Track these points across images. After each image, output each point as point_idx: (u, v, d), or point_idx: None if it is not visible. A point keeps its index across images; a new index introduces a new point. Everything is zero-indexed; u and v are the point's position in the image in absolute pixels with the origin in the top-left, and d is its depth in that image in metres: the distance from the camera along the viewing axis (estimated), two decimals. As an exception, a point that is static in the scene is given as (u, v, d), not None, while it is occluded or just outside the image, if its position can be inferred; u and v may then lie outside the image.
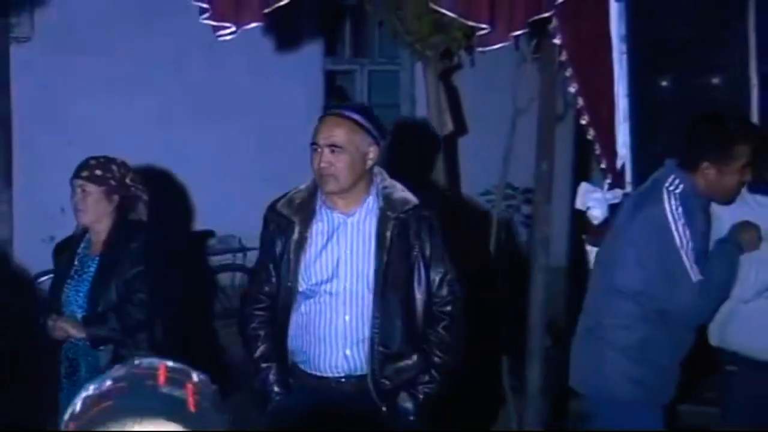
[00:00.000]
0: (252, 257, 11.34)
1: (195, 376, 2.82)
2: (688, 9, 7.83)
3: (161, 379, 2.74)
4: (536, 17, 8.00)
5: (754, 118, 7.67)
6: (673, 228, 6.98)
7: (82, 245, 7.51)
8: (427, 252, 6.75)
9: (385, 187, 6.83)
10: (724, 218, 7.46)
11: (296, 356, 6.89)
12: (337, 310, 6.88)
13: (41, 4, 10.69)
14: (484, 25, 7.87)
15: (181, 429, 2.70)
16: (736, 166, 7.11)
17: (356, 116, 6.91)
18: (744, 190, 7.46)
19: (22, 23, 10.88)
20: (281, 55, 11.25)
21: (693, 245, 6.96)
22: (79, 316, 7.41)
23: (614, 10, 8.10)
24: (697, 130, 7.45)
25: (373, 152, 6.73)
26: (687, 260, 6.90)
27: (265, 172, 11.55)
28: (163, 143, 9.91)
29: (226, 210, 11.37)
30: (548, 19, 8.10)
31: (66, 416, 2.73)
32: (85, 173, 7.24)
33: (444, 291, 6.78)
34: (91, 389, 2.73)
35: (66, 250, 7.64)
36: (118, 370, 2.83)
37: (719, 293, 7.11)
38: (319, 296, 6.88)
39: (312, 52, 12.21)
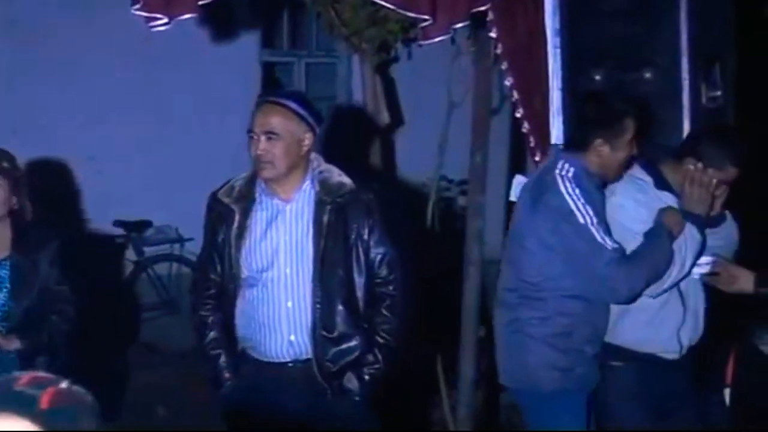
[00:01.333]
0: (190, 247, 11.45)
1: (64, 384, 2.82)
2: (621, 4, 7.93)
3: (22, 381, 2.77)
4: (476, 9, 8.01)
5: (685, 110, 7.77)
6: (575, 209, 7.06)
7: None
8: (365, 235, 6.86)
9: (321, 172, 6.92)
10: (627, 207, 7.44)
11: (244, 342, 6.99)
12: (279, 296, 6.96)
13: None
14: (425, 17, 7.87)
15: (29, 425, 2.72)
16: (625, 140, 7.26)
17: (291, 103, 7.02)
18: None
19: None
20: (218, 47, 11.28)
21: (598, 219, 7.06)
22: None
23: (549, 4, 8.10)
24: (586, 109, 7.68)
25: (308, 138, 6.82)
26: (597, 234, 6.98)
27: (202, 162, 11.68)
28: (101, 134, 9.94)
29: (164, 200, 11.54)
30: (484, 13, 8.08)
31: None
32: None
33: (384, 271, 6.90)
34: None
35: None
36: None
37: (644, 271, 7.09)
38: (261, 283, 6.95)
39: (249, 44, 12.31)
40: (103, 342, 10.01)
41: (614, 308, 7.43)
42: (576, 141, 7.49)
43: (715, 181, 7.24)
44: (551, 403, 7.32)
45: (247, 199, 7.02)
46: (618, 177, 7.42)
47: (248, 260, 7.03)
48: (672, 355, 7.46)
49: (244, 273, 6.99)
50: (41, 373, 2.88)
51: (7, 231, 7.29)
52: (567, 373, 7.27)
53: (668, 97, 7.82)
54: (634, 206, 7.38)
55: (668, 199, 7.38)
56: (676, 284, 7.32)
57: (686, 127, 7.83)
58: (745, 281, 7.41)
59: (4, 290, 7.37)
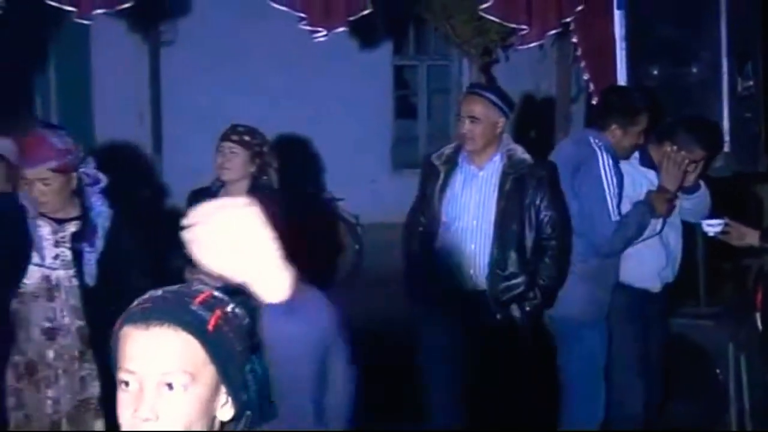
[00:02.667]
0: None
1: (229, 307, 2.76)
2: (672, 13, 7.81)
3: (198, 300, 2.70)
4: (564, 20, 7.99)
5: (724, 98, 7.54)
6: (604, 176, 7.04)
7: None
8: (537, 200, 6.89)
9: (509, 150, 6.96)
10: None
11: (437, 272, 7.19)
12: (465, 240, 7.03)
13: (182, 16, 10.81)
14: (523, 27, 7.89)
15: (198, 347, 2.66)
16: (637, 130, 7.19)
17: (490, 95, 7.15)
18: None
19: (168, 30, 11.00)
20: (360, 52, 11.31)
21: (617, 191, 7.07)
22: None
23: (617, 15, 7.99)
24: (610, 99, 7.57)
25: (501, 123, 6.93)
26: (610, 203, 7.01)
27: (350, 141, 11.67)
28: (274, 125, 9.96)
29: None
30: (567, 22, 8.10)
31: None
32: (234, 137, 7.12)
33: (549, 230, 6.94)
34: (148, 293, 2.71)
35: (201, 199, 7.45)
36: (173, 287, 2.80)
37: (625, 241, 7.18)
38: (453, 229, 7.00)
39: (383, 51, 12.28)
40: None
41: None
42: (596, 123, 7.43)
43: (686, 161, 7.14)
44: (582, 330, 7.33)
45: (451, 163, 7.11)
46: (623, 158, 7.33)
47: (446, 209, 7.07)
48: (655, 289, 7.45)
49: (443, 219, 7.05)
50: (216, 293, 2.78)
51: (241, 191, 6.99)
52: (601, 307, 7.28)
53: (710, 88, 7.65)
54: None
55: (650, 175, 7.36)
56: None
57: (725, 113, 7.60)
58: (751, 237, 7.33)
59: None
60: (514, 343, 7.11)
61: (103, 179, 6.13)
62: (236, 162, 7.04)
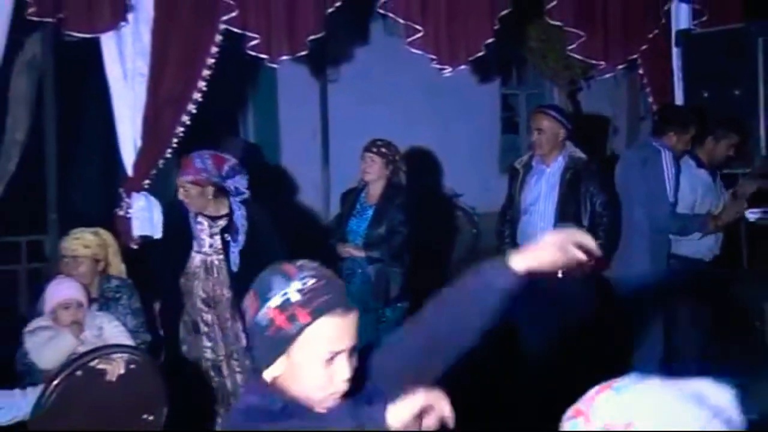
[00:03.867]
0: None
1: None
2: (718, 49, 7.77)
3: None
4: (631, 57, 8.04)
5: (761, 115, 7.56)
6: (665, 168, 7.12)
7: (362, 195, 7.41)
8: (591, 188, 7.08)
9: (570, 152, 7.18)
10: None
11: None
12: (537, 220, 7.23)
13: (344, 61, 10.86)
14: (601, 63, 8.00)
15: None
16: (686, 138, 7.20)
17: (552, 112, 7.36)
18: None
19: (333, 72, 11.02)
20: (476, 84, 11.28)
21: (675, 181, 7.15)
22: (360, 242, 7.36)
23: (674, 52, 8.09)
24: (666, 113, 7.56)
25: (562, 133, 7.09)
26: (669, 188, 7.11)
27: (468, 151, 11.47)
28: (408, 140, 9.89)
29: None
30: (634, 59, 8.13)
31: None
32: (374, 149, 7.22)
33: (600, 209, 7.11)
34: (309, 283, 2.59)
35: (350, 196, 7.56)
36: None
37: (677, 229, 7.28)
38: (529, 212, 7.26)
39: (493, 82, 12.12)
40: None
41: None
42: (657, 131, 7.39)
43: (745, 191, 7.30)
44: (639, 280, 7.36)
45: (527, 165, 7.33)
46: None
47: (525, 198, 7.30)
48: (707, 259, 7.37)
49: (522, 205, 7.28)
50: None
51: (379, 189, 7.27)
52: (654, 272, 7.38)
53: (749, 107, 7.60)
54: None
55: (701, 173, 7.36)
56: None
57: (762, 125, 7.61)
58: None
59: (365, 221, 7.33)
60: (577, 294, 7.06)
61: (246, 193, 6.35)
62: (375, 168, 7.26)
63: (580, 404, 1.95)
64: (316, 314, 2.49)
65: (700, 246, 7.30)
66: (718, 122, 7.48)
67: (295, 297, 2.50)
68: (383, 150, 7.29)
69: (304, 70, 10.61)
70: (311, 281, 2.53)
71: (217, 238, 6.34)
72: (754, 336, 7.91)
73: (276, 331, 2.51)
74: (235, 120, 10.53)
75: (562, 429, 1.98)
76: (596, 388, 1.96)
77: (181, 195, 6.18)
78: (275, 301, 2.51)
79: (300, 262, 2.61)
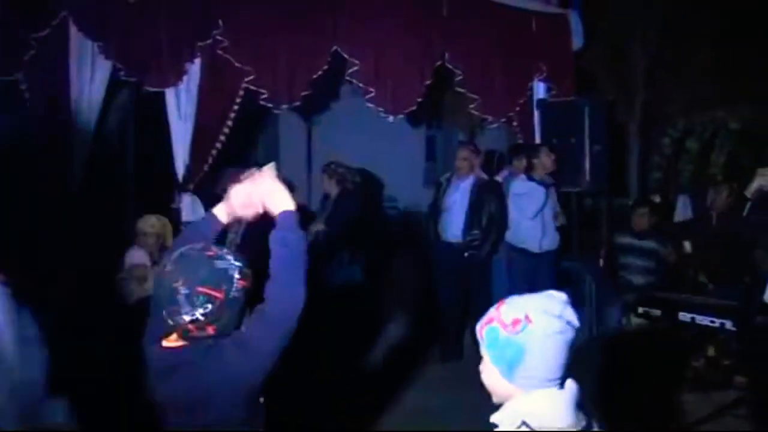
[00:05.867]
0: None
1: None
2: (562, 112, 7.73)
3: None
4: (509, 113, 7.92)
5: (587, 155, 7.38)
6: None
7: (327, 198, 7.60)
8: (489, 199, 7.05)
9: (479, 173, 7.23)
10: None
11: None
12: (452, 218, 7.20)
13: (323, 110, 10.68)
14: (489, 117, 7.90)
15: None
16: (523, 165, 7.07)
17: (471, 147, 7.51)
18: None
19: (317, 117, 11.00)
20: (410, 127, 11.13)
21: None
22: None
23: (536, 113, 8.00)
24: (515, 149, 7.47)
25: (475, 161, 7.25)
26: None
27: (403, 172, 11.22)
28: (366, 164, 9.77)
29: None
30: (511, 115, 7.95)
31: None
32: (328, 170, 7.50)
33: (494, 213, 7.05)
34: None
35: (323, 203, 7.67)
36: None
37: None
38: (448, 212, 7.14)
39: (419, 123, 11.74)
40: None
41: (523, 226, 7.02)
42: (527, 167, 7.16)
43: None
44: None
45: (449, 180, 7.30)
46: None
47: (445, 202, 7.24)
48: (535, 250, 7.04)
49: (443, 207, 7.23)
50: None
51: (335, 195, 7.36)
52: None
53: (580, 150, 7.45)
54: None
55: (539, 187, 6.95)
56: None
57: (587, 162, 7.40)
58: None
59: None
60: (472, 267, 7.03)
61: None
62: (331, 182, 7.42)
63: (490, 315, 2.05)
64: None
65: (528, 239, 7.05)
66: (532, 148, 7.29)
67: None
68: (334, 169, 7.45)
69: (297, 116, 10.59)
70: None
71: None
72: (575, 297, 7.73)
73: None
74: (251, 150, 10.51)
75: (480, 334, 2.07)
76: (496, 305, 2.08)
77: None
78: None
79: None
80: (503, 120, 8.06)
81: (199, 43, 6.42)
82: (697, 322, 5.77)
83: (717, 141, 8.84)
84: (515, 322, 1.97)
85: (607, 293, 7.34)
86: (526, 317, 1.96)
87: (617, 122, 9.41)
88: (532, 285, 6.49)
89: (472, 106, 7.73)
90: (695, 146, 9.01)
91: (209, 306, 2.28)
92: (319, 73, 6.79)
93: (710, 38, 9.68)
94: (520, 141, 8.05)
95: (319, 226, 7.34)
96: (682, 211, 9.05)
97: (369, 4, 7.01)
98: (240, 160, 6.65)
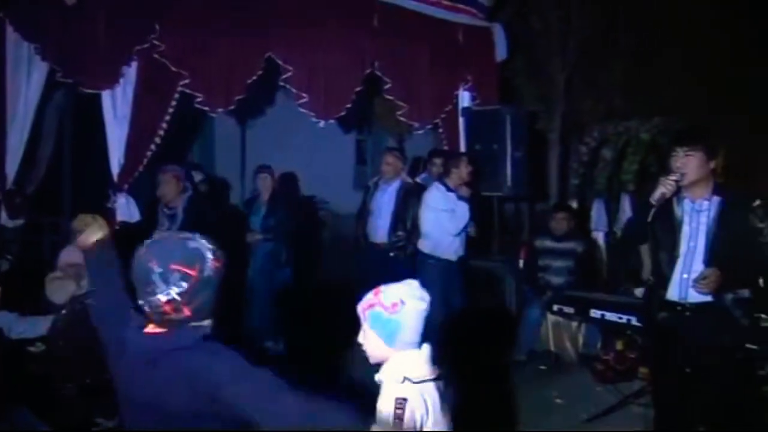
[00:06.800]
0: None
1: None
2: (485, 119, 7.82)
3: None
4: (436, 120, 8.04)
5: (508, 161, 7.54)
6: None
7: (258, 200, 7.53)
8: (412, 201, 7.09)
9: (404, 177, 7.31)
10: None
11: None
12: (379, 219, 7.27)
13: (257, 114, 10.58)
14: (416, 123, 7.99)
15: None
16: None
17: (396, 152, 7.60)
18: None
19: (251, 120, 10.91)
20: (341, 132, 11.21)
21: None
22: (258, 229, 7.40)
23: (460, 120, 8.11)
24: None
25: (401, 166, 7.38)
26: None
27: (334, 175, 11.19)
28: (298, 167, 9.74)
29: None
30: (437, 121, 8.11)
31: None
32: (260, 171, 7.44)
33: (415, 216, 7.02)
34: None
35: (253, 202, 7.73)
36: None
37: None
38: (375, 214, 7.24)
39: (348, 129, 11.77)
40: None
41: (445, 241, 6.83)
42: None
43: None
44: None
45: (376, 184, 7.34)
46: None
47: (373, 205, 7.32)
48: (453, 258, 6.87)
49: (371, 209, 7.32)
50: None
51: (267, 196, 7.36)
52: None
53: (501, 156, 7.60)
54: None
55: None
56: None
57: (509, 166, 7.52)
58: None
59: (260, 216, 7.37)
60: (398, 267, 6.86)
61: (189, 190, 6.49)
62: (267, 183, 7.44)
63: (370, 301, 2.61)
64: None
65: (448, 250, 6.90)
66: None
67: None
68: (266, 169, 7.48)
69: (232, 119, 10.58)
70: None
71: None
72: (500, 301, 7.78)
73: None
74: (186, 150, 10.46)
75: (363, 315, 2.60)
76: (373, 292, 2.62)
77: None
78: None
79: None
80: (429, 126, 8.17)
81: (136, 47, 6.46)
82: (607, 318, 6.08)
83: (629, 150, 9.15)
84: (394, 305, 2.58)
85: (527, 293, 7.52)
86: (401, 301, 2.58)
87: (538, 130, 9.63)
88: (445, 289, 6.64)
89: (399, 112, 7.84)
90: (610, 155, 9.32)
91: (184, 284, 2.26)
92: (254, 78, 6.85)
93: (623, 54, 10.08)
94: (446, 147, 8.20)
95: (256, 236, 7.36)
96: (597, 215, 9.35)
97: (303, 13, 7.08)
98: (176, 160, 6.63)
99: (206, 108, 6.73)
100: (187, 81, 6.58)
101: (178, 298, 2.26)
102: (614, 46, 10.10)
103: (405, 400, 2.47)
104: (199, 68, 6.62)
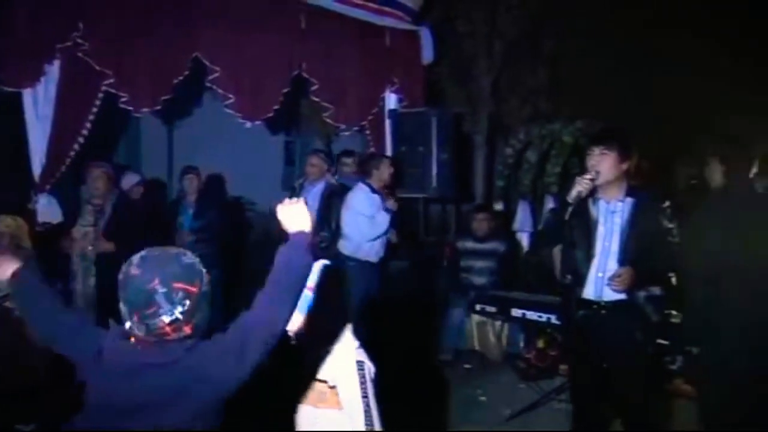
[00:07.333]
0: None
1: None
2: (411, 122, 7.90)
3: None
4: (363, 122, 8.12)
5: (433, 163, 7.62)
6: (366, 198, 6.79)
7: (184, 201, 7.52)
8: (338, 202, 7.03)
9: (328, 178, 7.21)
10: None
11: None
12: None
13: (185, 115, 10.47)
14: (343, 125, 8.09)
15: None
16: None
17: (321, 154, 7.55)
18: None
19: (178, 121, 10.76)
20: (269, 134, 11.04)
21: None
22: (187, 230, 7.35)
23: (387, 122, 8.19)
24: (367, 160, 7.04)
25: (325, 168, 7.24)
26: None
27: (262, 175, 11.06)
28: (226, 169, 9.65)
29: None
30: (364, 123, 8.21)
31: None
32: (187, 172, 7.37)
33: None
34: None
35: (179, 202, 7.72)
36: None
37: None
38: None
39: (277, 130, 11.67)
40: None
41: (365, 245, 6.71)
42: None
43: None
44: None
45: (301, 185, 7.31)
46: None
47: None
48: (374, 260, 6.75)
49: None
50: None
51: (194, 197, 7.37)
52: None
53: (427, 158, 7.67)
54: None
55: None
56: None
57: (434, 167, 7.62)
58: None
59: (189, 218, 7.31)
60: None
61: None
62: (194, 184, 7.39)
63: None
64: None
65: (369, 252, 6.81)
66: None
67: None
68: (193, 170, 7.42)
69: (159, 119, 10.43)
70: None
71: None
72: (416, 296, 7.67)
73: None
74: (111, 151, 10.30)
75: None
76: None
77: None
78: None
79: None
80: (356, 128, 8.23)
81: (59, 45, 6.35)
82: (527, 317, 6.21)
83: (553, 152, 9.34)
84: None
85: (451, 294, 7.60)
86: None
87: (464, 133, 9.76)
88: (366, 290, 6.58)
89: (326, 114, 7.89)
90: (534, 157, 9.49)
91: (187, 302, 2.20)
92: (180, 78, 6.80)
93: (546, 59, 10.28)
94: (372, 149, 8.25)
95: (188, 237, 7.33)
96: (522, 216, 9.52)
97: (230, 14, 7.07)
98: (100, 160, 6.52)
99: (131, 108, 6.67)
100: (111, 80, 6.51)
101: (180, 317, 2.20)
102: (539, 49, 10.27)
103: (363, 362, 2.69)
104: (123, 68, 6.55)
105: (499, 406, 6.02)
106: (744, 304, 4.18)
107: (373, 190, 6.73)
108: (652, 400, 4.36)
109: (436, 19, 9.31)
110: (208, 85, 7.17)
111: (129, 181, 7.51)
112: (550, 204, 9.10)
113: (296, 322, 2.72)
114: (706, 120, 7.70)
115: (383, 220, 6.67)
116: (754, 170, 4.62)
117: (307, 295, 2.74)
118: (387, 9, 8.04)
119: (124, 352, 2.21)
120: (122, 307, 2.22)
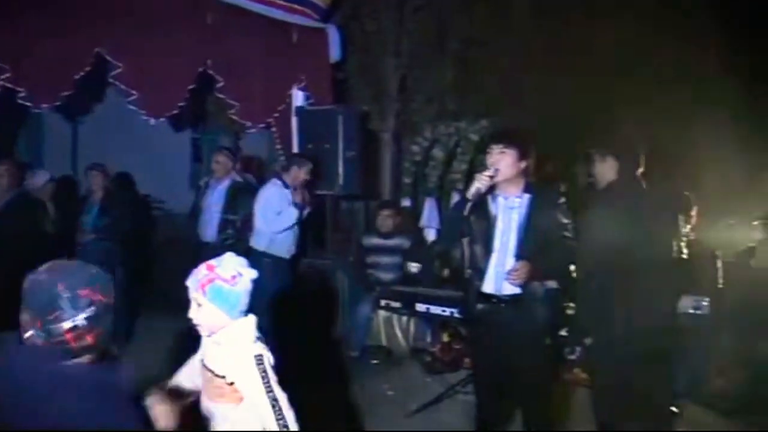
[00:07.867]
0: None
1: None
2: (319, 119, 7.88)
3: None
4: (269, 119, 8.02)
5: (340, 160, 7.61)
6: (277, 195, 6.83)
7: (90, 199, 7.41)
8: (243, 199, 7.18)
9: (234, 176, 7.32)
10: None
11: None
12: (211, 217, 7.29)
13: (89, 110, 10.30)
14: (249, 123, 7.99)
15: None
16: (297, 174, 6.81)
17: (226, 151, 7.61)
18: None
19: (82, 116, 10.56)
20: (175, 131, 10.95)
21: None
22: (90, 228, 7.27)
23: (294, 120, 8.12)
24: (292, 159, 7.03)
25: (230, 165, 7.33)
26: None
27: (170, 174, 11.02)
28: (131, 166, 9.39)
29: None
30: (269, 121, 8.09)
31: None
32: (94, 169, 7.25)
33: (251, 213, 6.95)
34: None
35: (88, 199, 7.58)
36: None
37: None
38: (206, 212, 7.28)
39: (185, 127, 11.59)
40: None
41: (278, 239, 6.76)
42: (284, 169, 7.00)
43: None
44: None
45: (207, 183, 7.42)
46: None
47: (204, 203, 7.41)
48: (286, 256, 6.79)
49: (203, 207, 7.39)
50: None
51: (101, 195, 7.26)
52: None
53: (333, 155, 7.64)
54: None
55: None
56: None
57: (341, 164, 7.58)
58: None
59: (93, 216, 7.23)
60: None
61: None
62: (98, 180, 7.26)
63: (209, 276, 2.73)
64: None
65: (281, 248, 6.83)
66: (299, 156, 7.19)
67: None
68: (100, 168, 7.30)
69: (61, 115, 10.15)
70: None
71: None
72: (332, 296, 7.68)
73: None
74: (11, 147, 9.98)
75: (202, 290, 2.71)
76: (206, 267, 2.76)
77: None
78: None
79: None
80: (262, 126, 8.14)
81: (-47, 38, 6.11)
82: (431, 311, 6.29)
83: (459, 150, 9.47)
84: (233, 277, 2.76)
85: (358, 290, 7.63)
86: (239, 273, 2.77)
87: (371, 130, 9.80)
88: (279, 286, 6.52)
89: (231, 111, 7.79)
90: (441, 154, 9.61)
91: (92, 309, 2.17)
92: (81, 74, 6.60)
93: (453, 57, 10.39)
94: (279, 146, 8.23)
95: (89, 235, 7.15)
96: (429, 212, 9.63)
97: (134, 8, 6.90)
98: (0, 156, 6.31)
99: (29, 103, 6.45)
100: (8, 75, 6.26)
101: (83, 324, 2.15)
102: (446, 49, 10.37)
103: (261, 356, 2.74)
104: (21, 62, 6.31)
105: (406, 400, 6.08)
106: (624, 294, 4.40)
107: (285, 185, 6.74)
108: (551, 390, 4.50)
109: (344, 17, 9.31)
110: (110, 80, 6.99)
111: (39, 179, 7.28)
112: (456, 200, 9.19)
113: (218, 321, 2.83)
114: (609, 119, 7.81)
115: (289, 215, 6.72)
116: (641, 168, 4.81)
117: (222, 286, 2.76)
118: (295, 6, 7.99)
119: (76, 376, 2.18)
120: (24, 316, 2.16)
